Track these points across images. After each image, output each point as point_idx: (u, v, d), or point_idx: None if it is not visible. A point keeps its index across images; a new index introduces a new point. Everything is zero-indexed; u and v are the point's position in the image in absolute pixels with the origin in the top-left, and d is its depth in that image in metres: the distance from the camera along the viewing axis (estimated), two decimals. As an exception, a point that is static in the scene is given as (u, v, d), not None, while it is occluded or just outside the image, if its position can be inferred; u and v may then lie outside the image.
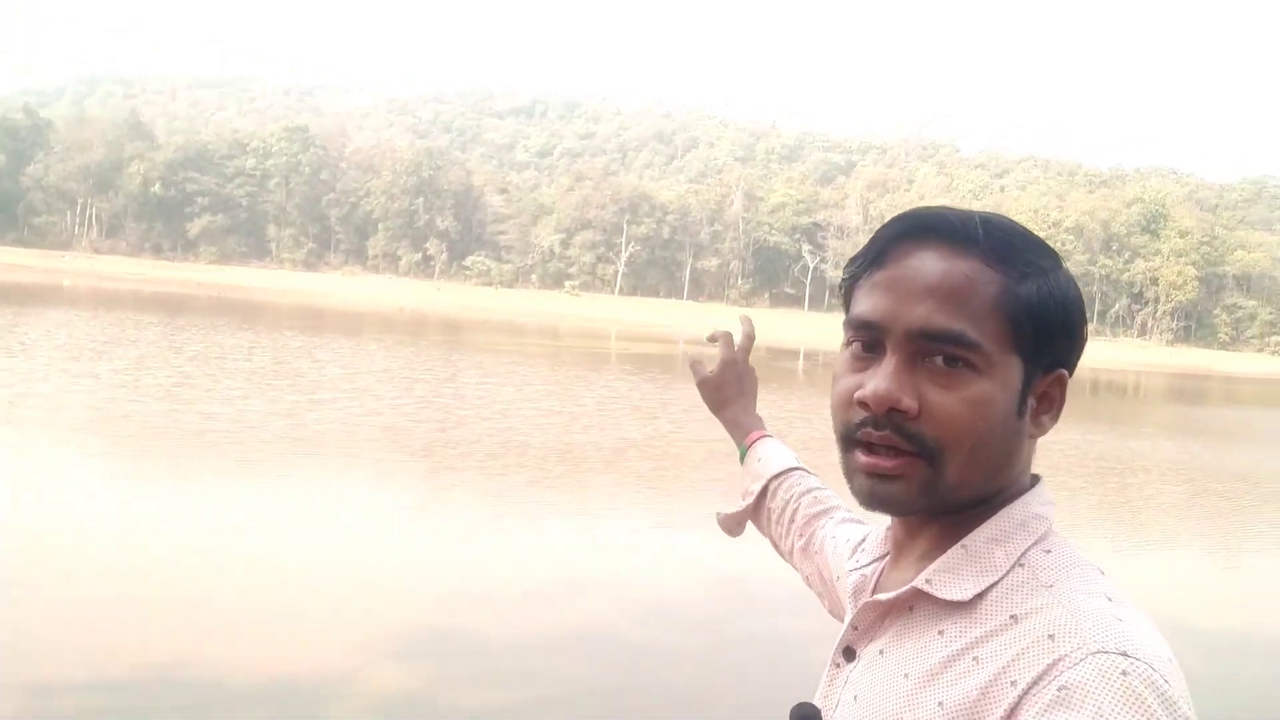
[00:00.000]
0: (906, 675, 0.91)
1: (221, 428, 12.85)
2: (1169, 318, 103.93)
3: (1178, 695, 0.79)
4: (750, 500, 1.50)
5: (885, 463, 0.92)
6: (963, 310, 0.90)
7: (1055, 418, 0.97)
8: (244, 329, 30.82)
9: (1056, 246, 0.99)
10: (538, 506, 10.29)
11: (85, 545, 7.48)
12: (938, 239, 0.93)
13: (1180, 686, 0.80)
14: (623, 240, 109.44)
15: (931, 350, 0.91)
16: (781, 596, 6.88)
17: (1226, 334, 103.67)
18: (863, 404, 0.92)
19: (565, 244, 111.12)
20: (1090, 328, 0.99)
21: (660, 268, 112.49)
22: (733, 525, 1.53)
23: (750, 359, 1.61)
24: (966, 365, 0.90)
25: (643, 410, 18.70)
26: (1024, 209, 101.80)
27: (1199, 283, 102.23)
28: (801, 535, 1.40)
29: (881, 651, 0.96)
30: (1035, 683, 0.81)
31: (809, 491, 1.44)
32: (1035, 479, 0.98)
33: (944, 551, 0.94)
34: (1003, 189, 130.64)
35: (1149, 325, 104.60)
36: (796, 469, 1.48)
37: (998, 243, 0.92)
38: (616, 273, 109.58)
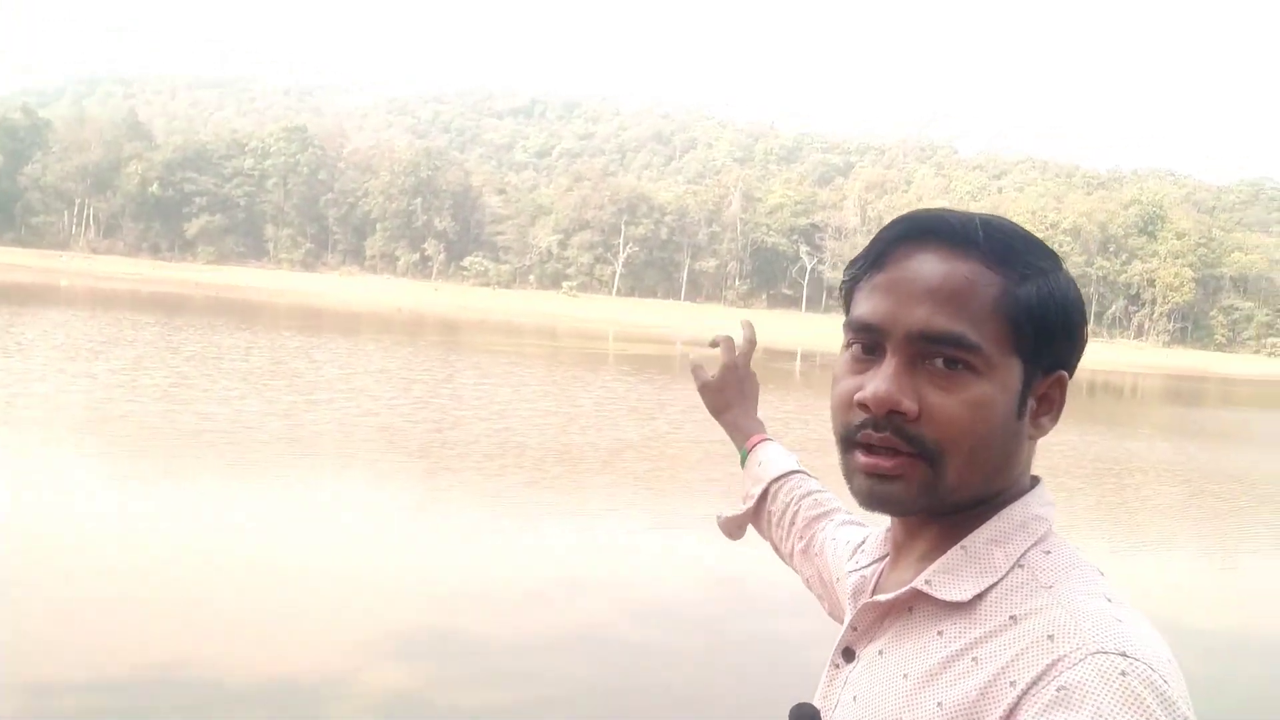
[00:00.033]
0: (906, 676, 0.91)
1: (219, 428, 12.85)
2: (1166, 319, 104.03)
3: (1177, 696, 0.79)
4: (751, 503, 1.50)
5: (885, 462, 0.92)
6: (963, 312, 0.90)
7: (1055, 419, 0.97)
8: (241, 329, 30.80)
9: (1054, 248, 0.99)
10: (535, 507, 10.29)
11: (83, 545, 7.47)
12: (937, 241, 0.94)
13: (1179, 687, 0.81)
14: (620, 241, 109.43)
15: (932, 352, 0.91)
16: (779, 597, 6.90)
17: (1223, 335, 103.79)
18: (863, 406, 0.93)
19: (563, 244, 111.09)
20: (1088, 329, 0.99)
21: (658, 268, 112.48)
22: (733, 528, 1.54)
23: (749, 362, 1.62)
24: (966, 367, 0.90)
25: (640, 411, 18.70)
26: (1022, 210, 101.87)
27: (1196, 284, 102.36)
28: (802, 538, 1.41)
29: (881, 652, 0.97)
30: (1034, 683, 0.81)
31: (809, 494, 1.44)
32: (1035, 480, 0.98)
33: (943, 552, 0.94)
34: (1000, 190, 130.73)
35: (1146, 327, 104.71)
36: (797, 472, 1.49)
37: (997, 245, 0.93)
38: (614, 273, 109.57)
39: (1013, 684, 0.83)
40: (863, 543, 1.20)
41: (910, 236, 0.95)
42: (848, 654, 1.01)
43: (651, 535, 9.42)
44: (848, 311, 0.99)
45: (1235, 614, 8.33)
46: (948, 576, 0.93)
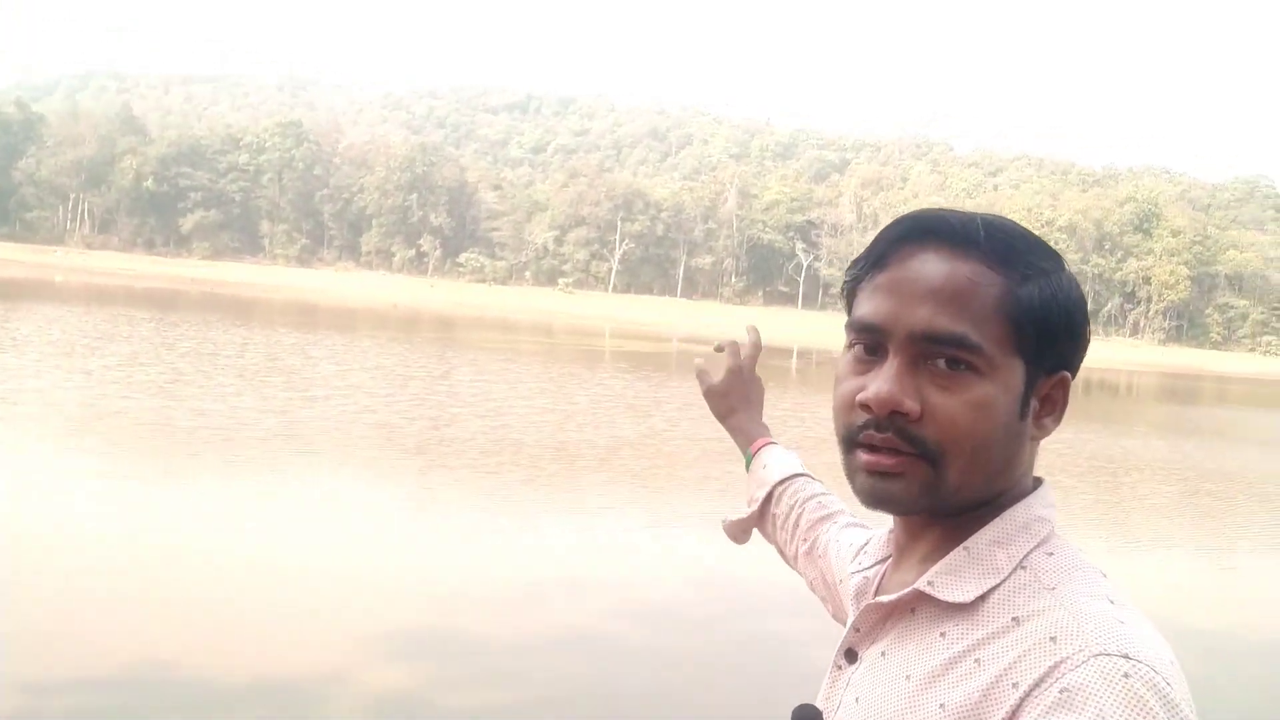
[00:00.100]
0: (908, 677, 0.91)
1: (214, 424, 12.82)
2: (1161, 317, 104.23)
3: (1180, 698, 0.79)
4: (755, 507, 1.50)
5: (887, 460, 0.92)
6: (964, 313, 0.90)
7: (1058, 420, 0.97)
8: (237, 325, 30.76)
9: (1050, 245, 0.99)
10: (532, 505, 10.28)
11: (77, 543, 7.45)
12: (939, 241, 0.93)
13: (1182, 689, 0.81)
14: (616, 237, 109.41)
15: (933, 353, 0.91)
16: (778, 596, 6.90)
17: (1218, 334, 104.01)
18: (865, 406, 0.93)
19: (559, 241, 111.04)
20: (1090, 329, 0.99)
21: (654, 265, 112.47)
22: (738, 532, 1.54)
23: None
24: (968, 368, 0.90)
25: (637, 408, 18.70)
26: (1017, 208, 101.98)
27: (1191, 282, 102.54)
28: (805, 540, 1.41)
29: (883, 653, 0.97)
30: (1037, 685, 0.81)
31: (813, 497, 1.45)
32: (1038, 482, 0.99)
33: (946, 554, 0.94)
34: (996, 188, 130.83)
35: (1141, 324, 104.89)
36: (801, 475, 1.49)
37: (999, 245, 0.93)
38: (610, 270, 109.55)
39: (1015, 685, 0.83)
40: (866, 545, 1.20)
41: (912, 236, 0.95)
42: (850, 655, 1.01)
43: (649, 533, 9.42)
44: (850, 312, 0.99)
45: (1231, 613, 8.35)
46: (950, 578, 0.93)
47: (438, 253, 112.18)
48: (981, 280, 0.91)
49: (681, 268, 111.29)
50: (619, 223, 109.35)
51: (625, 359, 32.68)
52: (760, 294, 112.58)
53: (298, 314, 42.04)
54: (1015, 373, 0.92)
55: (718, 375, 1.61)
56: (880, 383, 0.92)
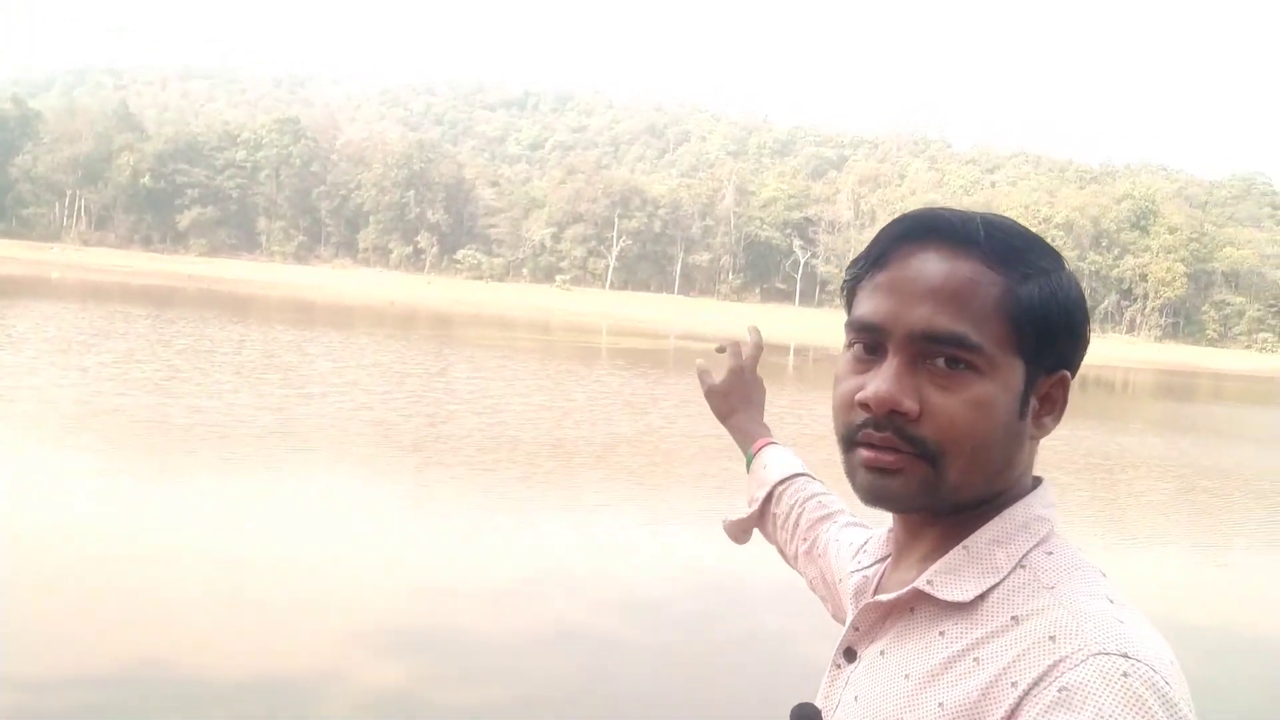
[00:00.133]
0: (907, 676, 0.92)
1: (211, 421, 12.81)
2: (1158, 314, 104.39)
3: (1179, 697, 0.79)
4: (756, 507, 1.51)
5: (886, 456, 0.92)
6: (964, 312, 0.90)
7: (1058, 419, 0.97)
8: (234, 322, 30.72)
9: (1047, 242, 0.99)
10: (529, 502, 10.28)
11: (73, 541, 7.44)
12: (939, 240, 0.93)
13: (1181, 688, 0.81)
14: (614, 234, 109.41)
15: (933, 352, 0.91)
16: (775, 593, 6.90)
17: (1215, 330, 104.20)
18: (864, 405, 0.93)
19: (556, 238, 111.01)
20: (1090, 328, 0.99)
21: (651, 262, 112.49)
22: (738, 532, 1.55)
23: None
24: (968, 367, 0.90)
25: (634, 405, 18.70)
26: (1015, 205, 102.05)
27: (1188, 279, 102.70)
28: (805, 539, 1.41)
29: (883, 652, 0.97)
30: (1036, 684, 0.81)
31: (813, 496, 1.45)
32: (1037, 481, 0.99)
33: (945, 553, 0.94)
34: (993, 184, 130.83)
35: (1138, 321, 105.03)
36: (801, 474, 1.50)
37: (999, 244, 0.93)
38: (608, 267, 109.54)
39: (1014, 685, 0.83)
40: (865, 544, 1.20)
41: (912, 236, 0.95)
42: (849, 654, 1.01)
43: (646, 530, 9.42)
44: (850, 311, 0.99)
45: (1227, 610, 8.36)
46: (949, 577, 0.93)
47: (435, 249, 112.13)
48: (981, 279, 0.91)
49: (679, 265, 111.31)
50: (616, 219, 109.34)
51: (622, 356, 32.67)
52: (758, 291, 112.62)
53: (294, 311, 42.00)
54: (1015, 372, 0.92)
55: (719, 375, 1.62)
56: (879, 382, 0.92)
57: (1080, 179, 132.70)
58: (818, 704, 1.02)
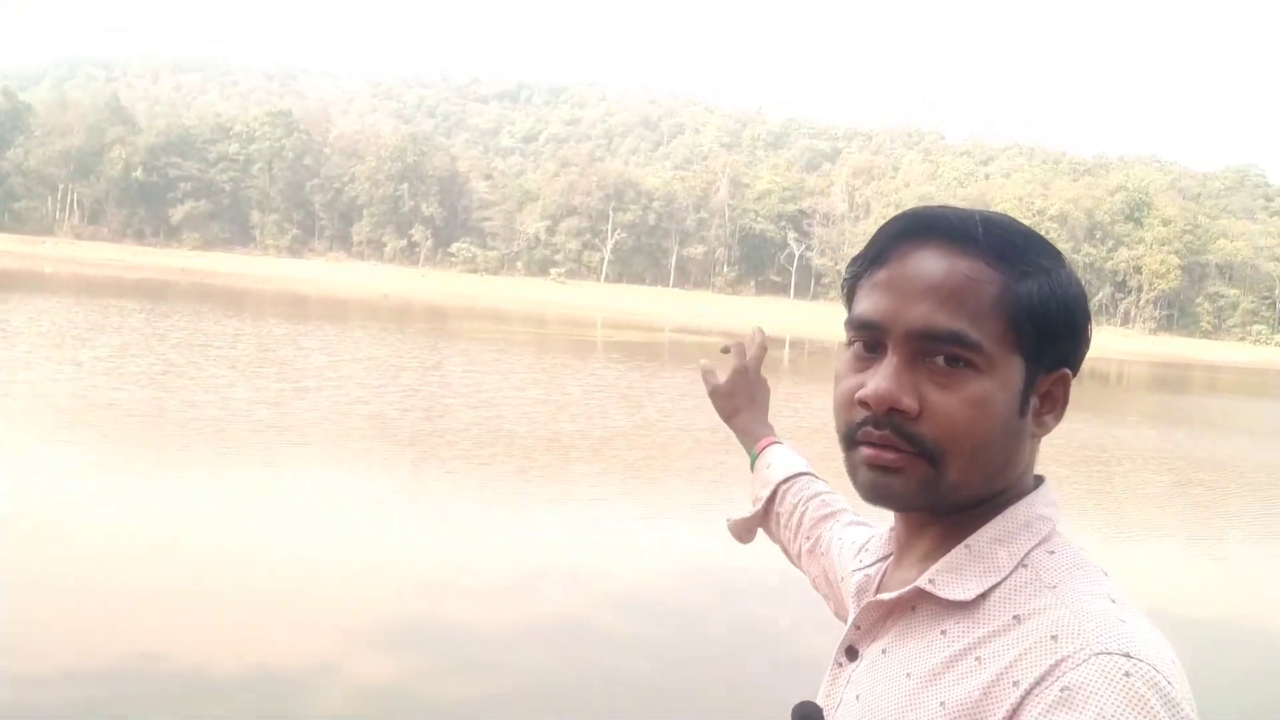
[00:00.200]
0: (909, 675, 0.91)
1: (206, 416, 12.78)
2: (1152, 306, 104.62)
3: (1180, 697, 0.79)
4: (759, 506, 1.51)
5: (887, 455, 0.92)
6: (963, 310, 0.90)
7: (1059, 417, 0.98)
8: (228, 316, 30.66)
9: (1041, 234, 0.98)
10: (524, 496, 10.28)
11: (68, 535, 7.42)
12: (938, 238, 0.93)
13: (1183, 688, 0.81)
14: (608, 227, 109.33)
15: (932, 350, 0.91)
16: (772, 588, 6.90)
17: (1209, 323, 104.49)
18: (863, 404, 0.92)
19: (551, 231, 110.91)
20: (1092, 326, 0.99)
21: (646, 255, 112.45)
22: (742, 531, 1.55)
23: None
24: (968, 365, 0.90)
25: (629, 399, 18.70)
26: (1008, 197, 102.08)
27: (1182, 271, 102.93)
28: (809, 538, 1.41)
29: (884, 651, 0.97)
30: (1038, 683, 0.81)
31: (816, 495, 1.45)
32: (1039, 479, 0.99)
33: (947, 551, 0.94)
34: (987, 177, 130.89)
35: (1132, 313, 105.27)
36: (805, 474, 1.50)
37: (998, 241, 0.93)
38: (602, 260, 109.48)
39: (1016, 684, 0.83)
40: (867, 542, 1.20)
41: (911, 234, 0.95)
42: (851, 653, 1.01)
43: (642, 524, 9.42)
44: (850, 309, 0.99)
45: (1223, 602, 8.39)
46: (951, 575, 0.93)
47: (429, 243, 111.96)
48: (980, 277, 0.91)
49: (673, 257, 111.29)
50: (611, 212, 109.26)
51: (617, 349, 32.66)
52: (752, 284, 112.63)
53: (289, 304, 41.92)
54: (1014, 370, 0.92)
55: (723, 376, 1.62)
56: (879, 380, 0.92)
57: (1074, 171, 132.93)
58: (819, 702, 1.02)
